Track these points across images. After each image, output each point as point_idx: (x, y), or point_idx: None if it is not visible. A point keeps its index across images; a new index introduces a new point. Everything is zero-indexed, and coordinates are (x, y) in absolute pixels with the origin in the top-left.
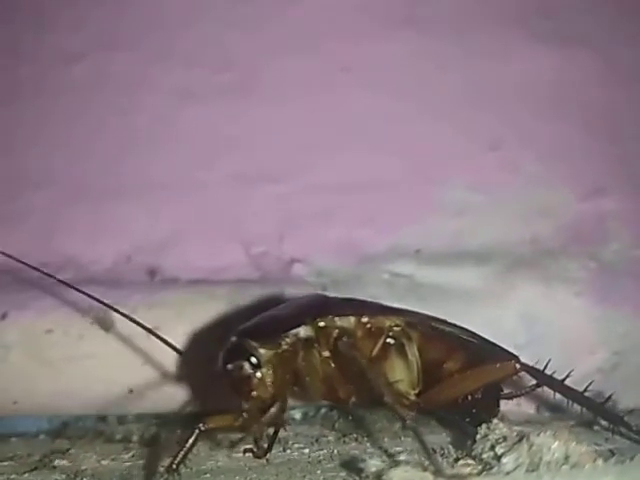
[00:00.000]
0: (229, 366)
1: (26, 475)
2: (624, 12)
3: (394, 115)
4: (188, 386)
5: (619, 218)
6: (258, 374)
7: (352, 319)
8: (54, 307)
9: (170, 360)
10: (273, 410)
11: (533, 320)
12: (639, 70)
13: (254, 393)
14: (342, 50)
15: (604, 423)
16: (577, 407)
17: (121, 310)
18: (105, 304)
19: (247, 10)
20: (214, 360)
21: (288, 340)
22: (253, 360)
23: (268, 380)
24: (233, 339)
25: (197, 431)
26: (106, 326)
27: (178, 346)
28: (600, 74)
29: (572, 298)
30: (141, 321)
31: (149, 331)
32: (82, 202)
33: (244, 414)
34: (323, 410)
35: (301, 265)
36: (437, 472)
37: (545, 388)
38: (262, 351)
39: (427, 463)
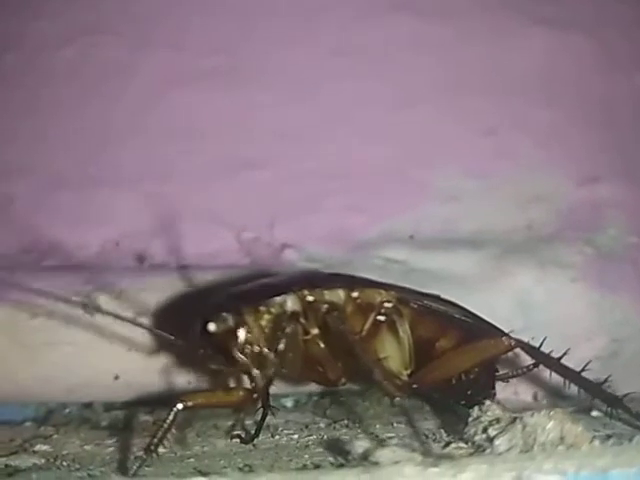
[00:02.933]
0: (210, 325)
1: (4, 459)
2: None
3: (387, 100)
4: (175, 372)
5: (615, 204)
6: (241, 332)
7: (342, 294)
8: (39, 291)
9: (156, 345)
10: (258, 383)
11: (529, 306)
12: (636, 56)
13: (237, 352)
14: (332, 35)
15: (603, 408)
16: (575, 394)
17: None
18: None
19: None
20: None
21: (273, 309)
22: (236, 315)
23: (251, 344)
24: (214, 300)
25: (175, 409)
26: (91, 311)
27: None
28: (597, 60)
29: (568, 284)
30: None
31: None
32: (69, 188)
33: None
34: (315, 398)
35: (292, 251)
36: (426, 452)
37: (542, 375)
38: (244, 312)
39: (416, 444)
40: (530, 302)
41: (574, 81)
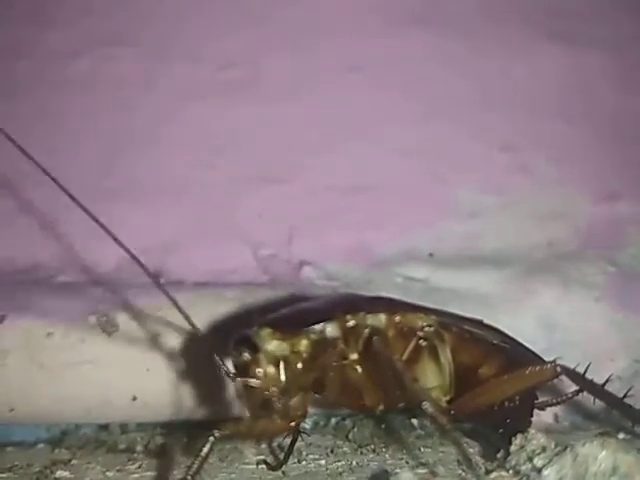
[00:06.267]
0: (233, 357)
1: None
2: (637, 12)
3: (405, 116)
4: (194, 393)
5: (635, 222)
6: (266, 368)
7: (383, 318)
8: (55, 309)
9: (175, 366)
10: (290, 414)
11: (552, 326)
12: None
13: (261, 390)
14: (351, 48)
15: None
16: (597, 417)
17: (127, 313)
18: None
19: (249, 6)
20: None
21: (312, 336)
22: (258, 350)
23: (280, 377)
24: (240, 331)
25: (212, 439)
26: (109, 330)
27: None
28: (614, 76)
29: (592, 304)
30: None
31: None
32: (84, 202)
33: (254, 416)
34: (334, 420)
35: (311, 268)
36: None
37: None
38: (275, 343)
39: (466, 475)
40: (553, 322)
41: (592, 97)
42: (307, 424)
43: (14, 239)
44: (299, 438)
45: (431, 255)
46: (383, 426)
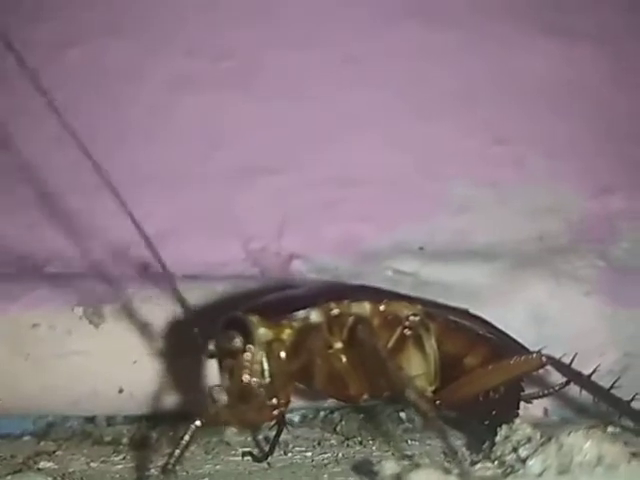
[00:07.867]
0: (219, 340)
1: (9, 477)
2: (635, 7)
3: (397, 109)
4: (181, 385)
5: (627, 217)
6: (252, 353)
7: (368, 306)
8: (41, 300)
9: (163, 358)
10: (274, 402)
11: (542, 320)
12: None
13: (246, 376)
14: (344, 42)
15: (624, 425)
16: (588, 411)
17: (114, 305)
18: None
19: None
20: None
21: (295, 324)
22: (247, 334)
23: (264, 364)
24: (230, 314)
25: (193, 427)
26: (96, 321)
27: None
28: (610, 70)
29: (582, 298)
30: None
31: None
32: (72, 194)
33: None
34: (322, 413)
35: (301, 261)
36: (463, 475)
37: None
38: (262, 329)
39: (450, 465)
40: (543, 315)
41: (586, 91)
42: (295, 417)
43: (5, 232)
44: (286, 430)
45: (421, 249)
46: (369, 417)
